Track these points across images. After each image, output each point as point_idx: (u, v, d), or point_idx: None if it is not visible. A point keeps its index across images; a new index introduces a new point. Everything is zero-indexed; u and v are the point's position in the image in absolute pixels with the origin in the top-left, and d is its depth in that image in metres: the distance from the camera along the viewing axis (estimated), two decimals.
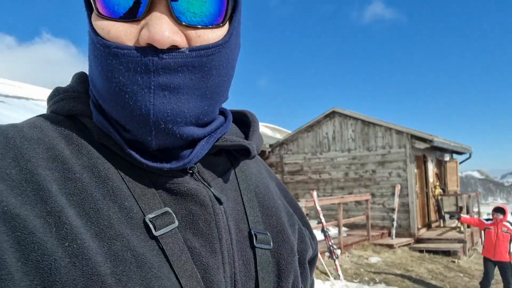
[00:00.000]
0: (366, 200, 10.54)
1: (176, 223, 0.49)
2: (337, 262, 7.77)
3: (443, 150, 13.36)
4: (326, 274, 7.67)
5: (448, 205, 13.79)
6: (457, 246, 10.26)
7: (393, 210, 11.23)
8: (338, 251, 7.99)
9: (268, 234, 0.59)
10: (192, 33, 0.49)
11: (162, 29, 0.45)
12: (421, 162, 12.34)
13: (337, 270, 7.69)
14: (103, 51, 0.48)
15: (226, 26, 0.52)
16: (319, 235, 9.18)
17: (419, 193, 12.01)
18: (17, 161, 0.45)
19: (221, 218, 0.53)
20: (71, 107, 0.53)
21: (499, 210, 6.80)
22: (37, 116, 0.54)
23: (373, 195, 11.76)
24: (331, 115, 12.76)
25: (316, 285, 7.05)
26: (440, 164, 13.97)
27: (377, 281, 7.96)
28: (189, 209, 0.51)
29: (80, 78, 0.59)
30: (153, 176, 0.51)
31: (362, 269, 8.55)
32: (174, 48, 0.47)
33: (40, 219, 0.41)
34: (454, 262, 9.65)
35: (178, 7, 0.47)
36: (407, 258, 9.70)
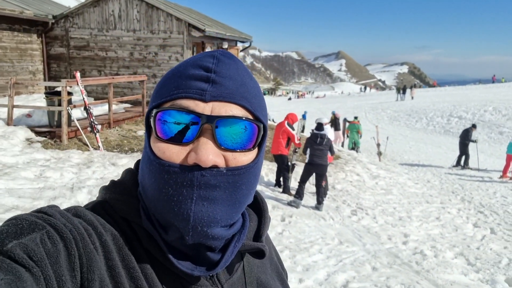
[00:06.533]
0: (142, 81, 11.62)
1: None
2: (97, 136, 8.92)
3: (222, 39, 15.00)
4: (87, 145, 8.79)
5: None
6: None
7: None
8: (99, 126, 9.10)
9: None
10: (229, 155, 0.61)
11: (208, 153, 0.57)
12: (200, 48, 13.78)
13: (97, 142, 8.88)
14: (158, 168, 0.59)
15: (256, 150, 0.65)
16: (82, 113, 9.98)
17: None
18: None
19: None
20: (126, 213, 0.65)
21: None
22: (99, 204, 0.67)
23: (154, 75, 12.93)
24: None
25: (74, 154, 8.15)
26: None
27: (135, 150, 9.51)
28: None
29: (132, 177, 0.71)
30: (183, 281, 0.63)
31: (125, 141, 9.93)
32: (214, 167, 0.59)
33: None
34: None
35: (221, 135, 0.59)
36: None
